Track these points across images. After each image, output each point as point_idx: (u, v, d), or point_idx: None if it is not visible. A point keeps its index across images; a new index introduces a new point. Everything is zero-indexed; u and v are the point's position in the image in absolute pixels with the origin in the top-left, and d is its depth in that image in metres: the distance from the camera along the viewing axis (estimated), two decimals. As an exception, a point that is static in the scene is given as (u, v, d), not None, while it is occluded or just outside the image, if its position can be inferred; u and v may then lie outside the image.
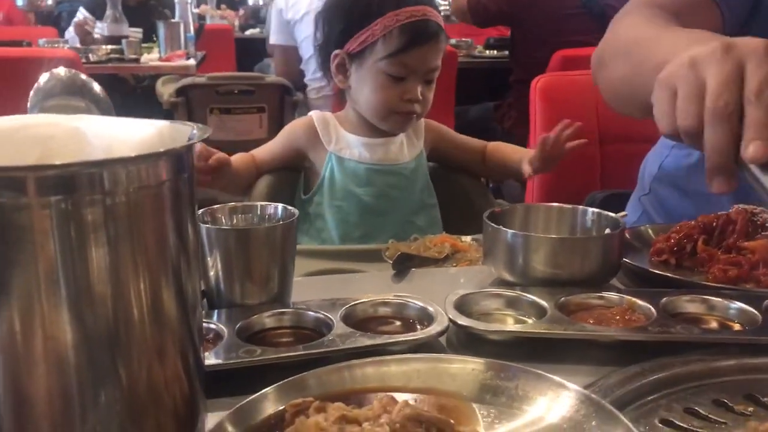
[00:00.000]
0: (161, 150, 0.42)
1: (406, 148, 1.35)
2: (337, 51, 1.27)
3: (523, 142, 2.83)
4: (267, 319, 0.68)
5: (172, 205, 0.45)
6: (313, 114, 1.36)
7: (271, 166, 1.35)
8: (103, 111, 0.53)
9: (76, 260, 0.41)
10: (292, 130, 1.36)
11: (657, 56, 0.75)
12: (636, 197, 1.34)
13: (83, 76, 0.53)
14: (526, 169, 1.28)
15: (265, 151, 1.36)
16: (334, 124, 1.34)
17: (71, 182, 0.40)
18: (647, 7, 1.02)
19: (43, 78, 0.54)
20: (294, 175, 1.38)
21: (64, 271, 0.41)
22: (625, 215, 0.83)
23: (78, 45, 3.51)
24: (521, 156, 1.33)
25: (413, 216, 1.33)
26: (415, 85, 1.25)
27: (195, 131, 0.48)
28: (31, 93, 0.54)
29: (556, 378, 0.54)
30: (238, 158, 1.31)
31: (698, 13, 1.02)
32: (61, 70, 0.53)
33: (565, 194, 1.85)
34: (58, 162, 0.42)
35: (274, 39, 3.15)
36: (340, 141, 1.33)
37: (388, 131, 1.32)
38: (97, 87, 0.53)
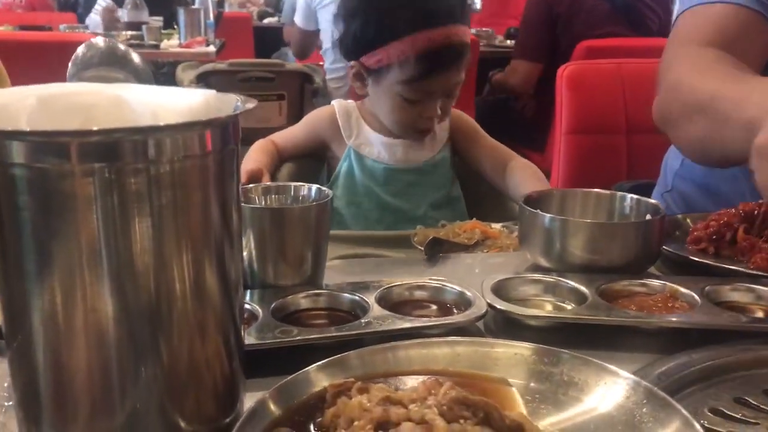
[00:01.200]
0: (209, 118, 0.40)
1: (429, 144, 1.30)
2: (353, 62, 1.21)
3: (545, 131, 2.80)
4: (302, 300, 0.67)
5: (217, 178, 0.44)
6: (336, 104, 1.32)
7: (292, 154, 1.32)
8: (143, 82, 0.52)
9: (118, 231, 0.40)
10: (315, 119, 1.33)
11: (743, 113, 0.76)
12: (658, 193, 1.31)
13: (122, 46, 0.52)
14: None
15: (287, 139, 1.33)
16: (356, 117, 1.30)
17: (115, 149, 0.39)
18: (696, 48, 0.99)
19: (82, 49, 0.53)
20: (316, 165, 1.35)
21: (106, 242, 0.40)
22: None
23: (98, 30, 3.52)
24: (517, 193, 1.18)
25: (436, 211, 1.29)
26: (433, 106, 1.19)
27: (239, 103, 0.46)
28: (70, 64, 0.52)
29: (604, 363, 0.52)
30: (262, 154, 1.26)
31: (752, 40, 1.00)
32: (100, 40, 0.53)
33: (591, 184, 1.82)
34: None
35: (297, 20, 3.12)
36: (361, 136, 1.29)
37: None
38: (137, 58, 0.52)
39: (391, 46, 1.13)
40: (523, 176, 1.23)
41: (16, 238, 0.40)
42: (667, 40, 1.07)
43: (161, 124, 0.39)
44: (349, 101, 1.32)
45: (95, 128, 0.38)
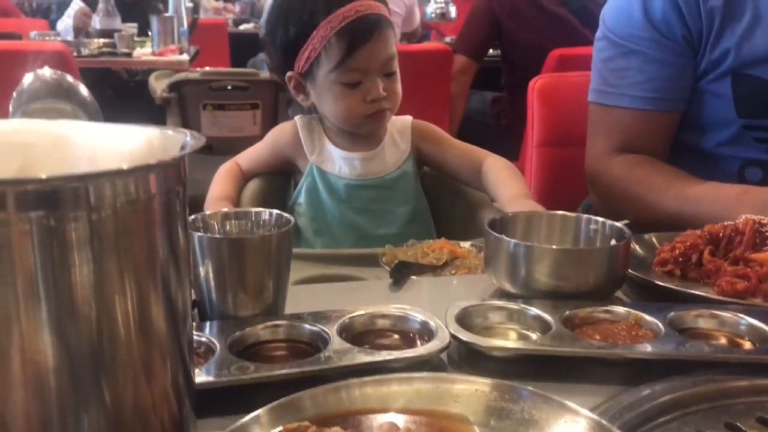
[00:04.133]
0: (151, 162, 0.39)
1: (390, 157, 1.29)
2: (289, 73, 1.23)
3: (519, 141, 2.81)
4: (261, 332, 0.66)
5: (163, 219, 0.42)
6: (298, 120, 1.31)
7: (259, 174, 1.31)
8: (91, 115, 0.51)
9: (58, 279, 0.38)
10: (277, 136, 1.32)
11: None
12: None
13: (70, 78, 0.50)
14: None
15: (251, 160, 1.31)
16: (318, 132, 1.29)
17: (54, 197, 0.37)
18: (620, 159, 1.21)
19: (27, 79, 0.51)
20: (284, 180, 1.34)
21: (45, 291, 0.38)
22: (628, 222, 0.81)
23: (69, 38, 3.47)
24: (507, 198, 1.18)
25: (402, 227, 1.28)
26: (374, 84, 1.18)
27: (188, 139, 0.45)
28: (14, 94, 0.51)
29: (565, 401, 0.51)
30: (227, 183, 1.26)
31: (653, 133, 1.22)
32: (47, 71, 0.51)
33: (561, 197, 1.83)
34: (40, 173, 0.39)
35: None
36: (323, 152, 1.28)
37: (367, 135, 1.27)
38: (84, 90, 0.50)
39: (312, 38, 1.16)
40: (501, 177, 1.24)
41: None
42: (588, 127, 1.29)
43: (100, 170, 0.38)
44: (313, 117, 1.31)
45: (34, 174, 0.37)
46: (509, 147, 2.93)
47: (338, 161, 1.27)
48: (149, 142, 0.41)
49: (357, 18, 1.15)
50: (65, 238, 0.38)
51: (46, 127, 0.43)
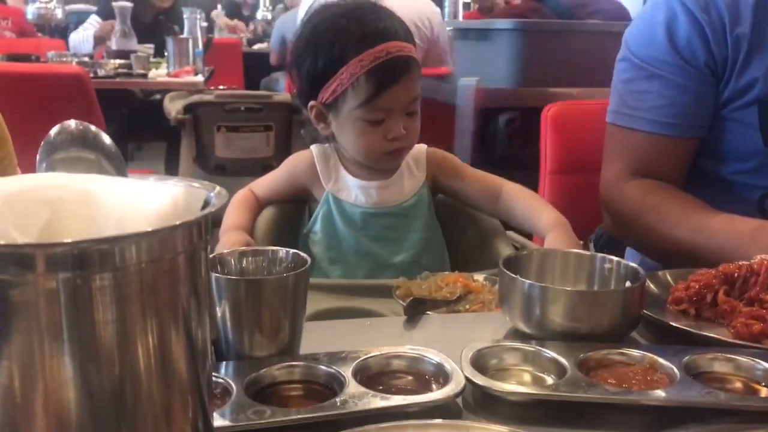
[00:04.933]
0: (176, 223, 0.40)
1: (407, 185, 1.30)
2: (312, 102, 1.23)
3: (534, 163, 2.81)
4: (277, 372, 0.66)
5: (187, 275, 0.43)
6: (314, 149, 1.32)
7: (273, 202, 1.32)
8: (115, 165, 0.52)
9: (83, 336, 0.39)
10: (294, 165, 1.33)
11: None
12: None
13: (93, 128, 0.52)
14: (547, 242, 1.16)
15: (267, 188, 1.32)
16: (334, 161, 1.30)
17: (81, 259, 0.38)
18: (635, 184, 1.20)
19: (54, 131, 0.52)
20: (298, 208, 1.35)
21: (70, 348, 0.39)
22: None
23: (84, 51, 3.52)
24: (546, 225, 1.19)
25: (418, 256, 1.28)
26: (396, 124, 1.19)
27: (213, 195, 0.46)
28: (41, 145, 0.52)
29: (580, 453, 0.52)
30: (242, 213, 1.26)
31: (670, 159, 1.20)
32: (72, 123, 0.52)
33: (574, 225, 1.83)
34: (67, 229, 0.40)
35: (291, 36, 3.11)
36: (339, 181, 1.29)
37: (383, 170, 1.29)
38: (107, 140, 0.51)
39: (340, 73, 1.16)
40: (529, 204, 1.27)
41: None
42: (604, 148, 1.27)
43: (127, 233, 0.39)
44: (327, 147, 1.32)
45: (60, 240, 0.38)
46: (524, 170, 2.94)
47: (354, 189, 1.28)
48: (174, 200, 0.41)
49: (388, 59, 1.16)
50: (90, 296, 0.39)
51: (74, 181, 0.44)
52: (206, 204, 0.45)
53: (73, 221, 0.42)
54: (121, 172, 0.51)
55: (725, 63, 1.12)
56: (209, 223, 0.45)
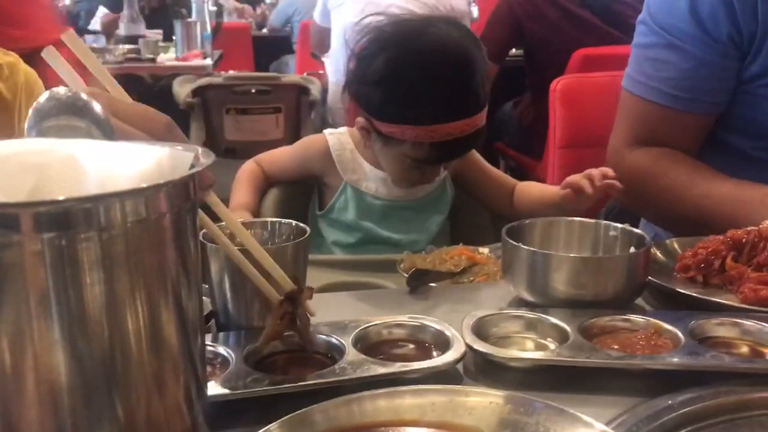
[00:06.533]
0: (159, 182, 0.39)
1: None
2: (363, 120, 1.17)
3: (542, 140, 2.79)
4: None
5: (173, 236, 0.43)
6: (329, 138, 1.28)
7: (280, 180, 1.31)
8: (105, 132, 0.51)
9: (70, 298, 0.39)
10: (307, 152, 1.30)
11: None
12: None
13: (84, 97, 0.51)
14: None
15: (276, 166, 1.30)
16: (351, 150, 1.27)
17: (65, 218, 0.38)
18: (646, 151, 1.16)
19: (43, 97, 0.51)
20: (305, 189, 1.34)
21: (57, 310, 0.39)
22: None
23: (95, 45, 3.52)
24: (552, 194, 1.21)
25: (433, 238, 1.28)
26: (439, 169, 1.19)
27: (199, 156, 0.45)
28: (30, 112, 0.51)
29: (580, 415, 0.51)
30: (249, 189, 1.25)
31: (677, 129, 1.15)
32: (61, 90, 0.51)
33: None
34: (53, 193, 0.40)
35: (316, 17, 3.07)
36: (358, 170, 1.26)
37: None
38: (98, 108, 0.51)
39: (407, 128, 1.10)
40: (537, 187, 1.29)
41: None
42: (617, 112, 1.23)
43: (110, 191, 0.38)
44: (342, 134, 1.29)
45: (45, 197, 0.38)
46: (533, 147, 2.92)
47: (374, 181, 1.26)
48: (158, 161, 0.41)
49: (459, 137, 1.11)
50: (77, 257, 0.39)
51: (60, 146, 0.43)
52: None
53: (60, 185, 0.42)
54: (110, 140, 0.51)
55: (753, 37, 1.06)
56: (196, 185, 0.44)
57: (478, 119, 1.12)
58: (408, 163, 1.16)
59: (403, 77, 1.10)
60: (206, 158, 0.44)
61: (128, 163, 0.41)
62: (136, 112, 0.56)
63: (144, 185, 0.39)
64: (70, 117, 0.52)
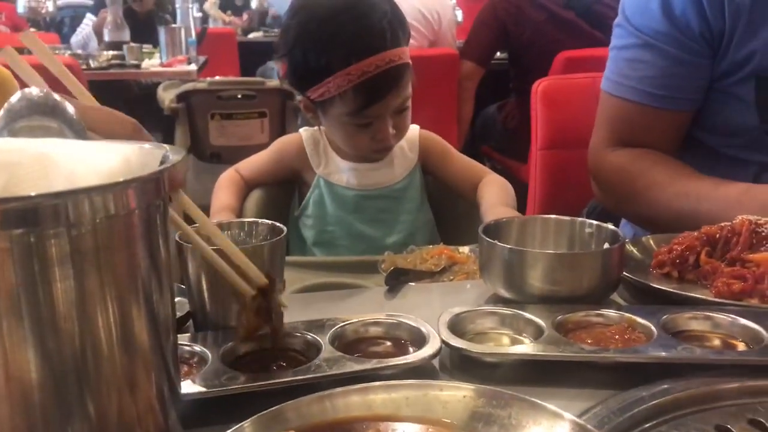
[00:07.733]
0: (128, 178, 0.40)
1: (399, 166, 1.30)
2: (300, 97, 1.22)
3: (528, 143, 2.81)
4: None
5: (143, 233, 0.43)
6: (303, 133, 1.32)
7: (260, 183, 1.32)
8: (77, 133, 0.51)
9: (39, 295, 0.39)
10: (282, 149, 1.32)
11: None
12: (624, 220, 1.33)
13: (56, 97, 0.51)
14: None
15: (254, 169, 1.32)
16: (323, 145, 1.30)
17: (33, 214, 0.38)
18: (625, 152, 1.18)
19: (15, 98, 0.52)
20: (287, 190, 1.35)
21: (27, 307, 0.39)
22: None
23: (79, 51, 3.51)
24: (486, 206, 1.21)
25: (410, 237, 1.28)
26: (384, 126, 1.18)
27: (169, 154, 0.46)
28: (1, 112, 0.51)
29: (551, 407, 0.51)
30: (229, 195, 1.25)
31: (655, 128, 1.17)
32: (33, 90, 0.51)
33: (566, 201, 1.82)
34: (22, 192, 0.40)
35: None
36: (330, 164, 1.29)
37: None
38: (70, 108, 0.51)
39: (327, 82, 1.13)
40: (489, 191, 1.25)
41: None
42: (596, 114, 1.25)
43: (77, 187, 0.39)
44: (316, 130, 1.31)
45: (10, 195, 0.38)
46: (518, 149, 2.93)
47: (345, 172, 1.28)
48: (126, 159, 0.41)
49: (376, 74, 1.12)
50: (45, 254, 0.39)
51: (30, 145, 0.44)
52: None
53: (30, 184, 0.42)
54: (81, 140, 0.51)
55: (722, 35, 1.08)
56: (166, 183, 0.44)
57: (391, 54, 1.13)
58: (349, 125, 1.18)
59: (312, 31, 1.14)
60: (176, 155, 0.45)
61: (98, 161, 0.41)
62: (101, 116, 0.56)
63: (113, 181, 0.39)
64: (41, 117, 0.52)
